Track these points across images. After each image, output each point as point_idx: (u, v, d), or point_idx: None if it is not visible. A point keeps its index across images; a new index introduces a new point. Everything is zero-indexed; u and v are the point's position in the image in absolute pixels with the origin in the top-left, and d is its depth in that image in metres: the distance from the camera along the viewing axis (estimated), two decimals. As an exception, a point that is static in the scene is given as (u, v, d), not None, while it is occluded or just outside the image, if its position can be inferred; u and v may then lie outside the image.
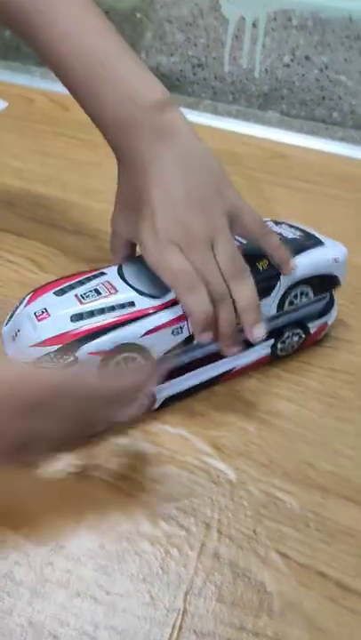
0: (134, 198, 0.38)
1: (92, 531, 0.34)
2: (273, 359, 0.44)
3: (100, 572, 0.33)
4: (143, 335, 0.36)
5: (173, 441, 0.39)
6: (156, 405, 0.40)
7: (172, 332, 0.37)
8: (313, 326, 0.44)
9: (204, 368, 0.41)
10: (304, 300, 0.42)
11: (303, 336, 0.44)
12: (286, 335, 0.43)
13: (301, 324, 0.44)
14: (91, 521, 0.35)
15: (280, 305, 0.41)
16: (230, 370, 0.42)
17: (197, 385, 0.41)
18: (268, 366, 0.44)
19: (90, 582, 0.32)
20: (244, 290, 0.37)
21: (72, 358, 0.35)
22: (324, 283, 0.43)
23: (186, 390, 0.41)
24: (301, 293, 0.42)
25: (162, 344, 0.37)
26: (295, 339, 0.43)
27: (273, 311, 0.41)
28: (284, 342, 0.43)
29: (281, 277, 0.40)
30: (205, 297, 0.36)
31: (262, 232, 0.39)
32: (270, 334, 0.42)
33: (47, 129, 0.71)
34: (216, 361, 0.41)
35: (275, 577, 0.33)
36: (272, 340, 0.42)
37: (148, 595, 0.32)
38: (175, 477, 0.37)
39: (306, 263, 0.41)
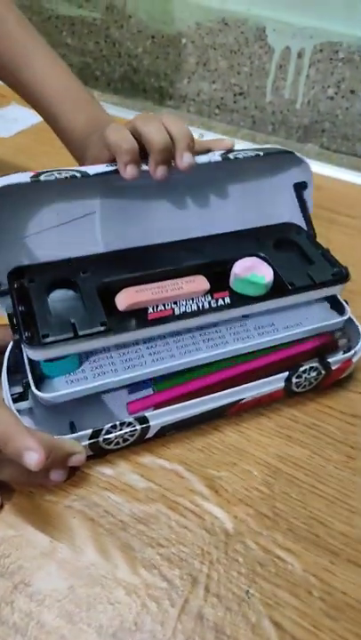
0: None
1: (63, 568, 0.30)
2: (287, 395, 0.39)
3: (65, 620, 0.28)
4: None
5: (166, 477, 0.35)
6: (151, 434, 0.36)
7: None
8: (335, 362, 0.39)
9: (207, 397, 0.36)
10: None
11: (323, 372, 0.39)
12: (303, 369, 0.38)
13: (321, 356, 0.39)
14: (63, 557, 0.31)
15: None
16: (237, 401, 0.37)
17: (198, 416, 0.37)
18: (282, 404, 0.40)
19: (51, 632, 0.28)
20: (179, 123, 0.36)
21: None
22: None
23: (185, 421, 0.36)
24: None
25: None
26: (313, 374, 0.39)
27: None
28: (300, 377, 0.39)
29: None
30: (131, 135, 0.36)
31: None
32: (285, 366, 0.38)
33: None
34: (221, 390, 0.37)
35: (265, 652, 0.28)
36: (286, 373, 0.38)
37: (116, 655, 0.27)
38: (163, 519, 0.33)
39: None
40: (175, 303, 0.37)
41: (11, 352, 0.36)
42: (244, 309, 0.38)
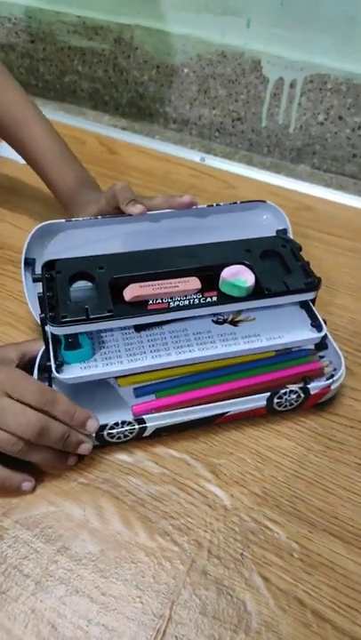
0: None
1: (94, 536, 0.38)
2: (269, 413, 0.46)
3: (98, 575, 0.36)
4: None
5: (176, 464, 0.43)
6: (147, 433, 0.43)
7: None
8: (314, 388, 0.45)
9: (198, 408, 0.43)
10: None
11: (302, 396, 0.45)
12: (284, 391, 0.44)
13: (305, 381, 0.46)
14: (95, 527, 0.39)
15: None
16: (223, 414, 0.44)
17: (189, 422, 0.43)
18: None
19: (88, 583, 0.36)
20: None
21: None
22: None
23: (177, 425, 0.43)
24: None
25: None
26: (293, 396, 0.45)
27: None
28: (281, 397, 0.44)
29: None
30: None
31: None
32: (273, 386, 0.45)
33: (95, 169, 0.77)
34: (212, 402, 0.44)
35: (255, 598, 0.36)
36: (268, 394, 0.44)
37: (139, 600, 0.35)
38: (174, 497, 0.41)
39: None
40: (171, 298, 0.44)
41: (42, 355, 0.44)
42: (227, 307, 0.45)
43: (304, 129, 0.81)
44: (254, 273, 0.46)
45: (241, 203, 0.55)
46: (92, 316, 0.42)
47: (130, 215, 0.51)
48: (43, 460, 0.40)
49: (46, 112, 0.90)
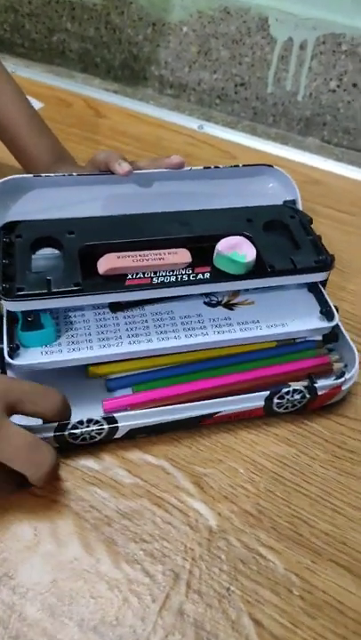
0: None
1: (47, 562, 0.31)
2: (267, 415, 0.38)
3: (47, 614, 0.29)
4: None
5: (153, 473, 0.35)
6: (119, 435, 0.36)
7: None
8: (322, 387, 0.38)
9: (182, 406, 0.36)
10: None
11: (308, 396, 0.37)
12: (286, 390, 0.37)
13: (311, 379, 0.38)
14: (47, 551, 0.31)
15: None
16: (213, 414, 0.36)
17: (171, 423, 0.36)
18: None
19: (32, 624, 0.28)
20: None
21: None
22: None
23: (156, 426, 0.36)
24: None
25: None
26: (297, 397, 0.37)
27: None
28: (282, 398, 0.37)
29: None
30: None
31: None
32: (273, 383, 0.38)
33: (79, 133, 0.70)
34: (202, 400, 0.36)
35: (244, 648, 0.28)
36: (267, 392, 0.37)
37: (96, 649, 0.28)
38: (148, 515, 0.33)
39: None
40: (155, 273, 0.37)
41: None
42: (222, 286, 0.38)
43: (314, 97, 0.73)
44: (256, 246, 0.39)
45: (243, 166, 0.47)
46: (54, 290, 0.35)
47: (113, 174, 0.43)
48: None
49: (32, 75, 0.82)
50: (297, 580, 0.31)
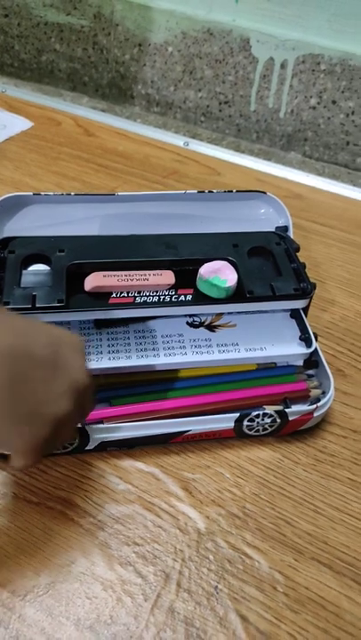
0: None
1: (44, 566, 0.32)
2: (238, 436, 0.39)
3: (45, 614, 0.31)
4: None
5: (144, 479, 0.37)
6: (90, 447, 0.37)
7: None
8: (293, 413, 0.38)
9: (152, 423, 0.37)
10: None
11: (278, 420, 0.38)
12: (256, 414, 0.38)
13: (285, 404, 0.40)
14: (45, 555, 0.33)
15: None
16: (182, 432, 0.38)
17: (141, 439, 0.37)
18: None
19: (31, 625, 0.30)
20: None
21: None
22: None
23: (126, 441, 0.37)
24: None
25: None
26: (267, 420, 0.38)
27: None
28: (252, 420, 0.38)
29: None
30: None
31: None
32: (247, 405, 0.39)
33: (69, 152, 0.72)
34: (176, 417, 0.38)
35: (231, 642, 0.30)
36: (237, 414, 0.37)
37: (92, 646, 0.29)
38: (139, 519, 0.35)
39: None
40: (139, 292, 0.39)
41: None
42: (202, 308, 0.40)
43: (295, 113, 0.76)
44: (238, 272, 0.40)
45: (237, 192, 0.49)
46: (38, 305, 0.36)
47: (109, 194, 0.45)
48: None
49: (22, 94, 0.84)
50: (281, 578, 0.33)
